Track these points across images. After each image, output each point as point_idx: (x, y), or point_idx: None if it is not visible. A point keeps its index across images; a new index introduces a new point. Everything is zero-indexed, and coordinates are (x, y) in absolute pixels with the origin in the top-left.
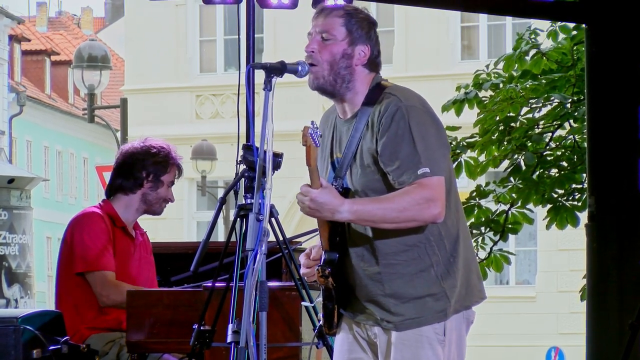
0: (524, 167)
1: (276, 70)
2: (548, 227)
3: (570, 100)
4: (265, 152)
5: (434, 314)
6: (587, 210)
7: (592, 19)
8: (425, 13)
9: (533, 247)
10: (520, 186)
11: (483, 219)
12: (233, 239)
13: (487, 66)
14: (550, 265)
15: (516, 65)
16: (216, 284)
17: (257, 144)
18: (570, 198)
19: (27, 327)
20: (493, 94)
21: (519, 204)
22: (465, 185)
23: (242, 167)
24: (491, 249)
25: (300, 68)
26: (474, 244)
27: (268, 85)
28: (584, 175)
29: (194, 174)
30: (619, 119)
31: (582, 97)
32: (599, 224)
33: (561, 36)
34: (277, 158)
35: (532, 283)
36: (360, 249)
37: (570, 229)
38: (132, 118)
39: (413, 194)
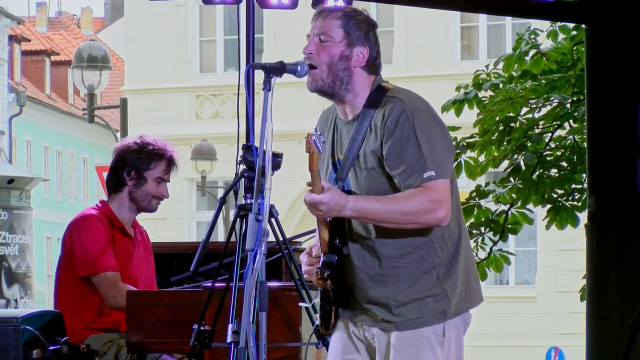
0: (523, 167)
1: (275, 70)
2: (548, 227)
3: (570, 100)
4: (264, 152)
5: (434, 315)
6: (587, 211)
7: (592, 19)
8: (425, 13)
9: (533, 247)
10: (520, 186)
11: (483, 219)
12: (233, 239)
13: (487, 66)
14: (550, 265)
15: (516, 65)
16: (216, 284)
17: (257, 144)
18: (570, 198)
19: (27, 327)
20: (493, 94)
21: (519, 204)
22: (465, 186)
23: (242, 167)
24: (491, 249)
25: (299, 68)
26: (474, 244)
27: (267, 86)
28: (584, 175)
29: (193, 174)
30: (619, 119)
31: (581, 97)
32: (599, 224)
33: (561, 36)
34: (277, 158)
35: (532, 283)
36: (362, 250)
37: (570, 229)
38: (132, 118)
39: (419, 197)
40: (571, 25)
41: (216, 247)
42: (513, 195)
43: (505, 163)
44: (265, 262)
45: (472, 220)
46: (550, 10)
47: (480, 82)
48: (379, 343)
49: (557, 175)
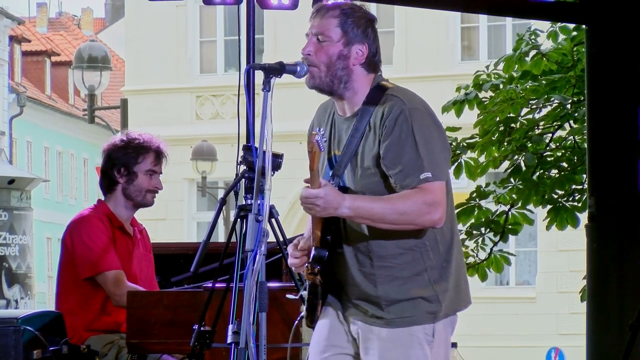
0: (524, 168)
1: (275, 70)
2: (548, 227)
3: (570, 101)
4: (264, 152)
5: (425, 315)
6: (587, 211)
7: (592, 20)
8: (425, 14)
9: (533, 248)
10: (521, 187)
11: (483, 220)
12: (233, 239)
13: (487, 67)
14: (551, 265)
15: (516, 66)
16: (216, 285)
17: (257, 144)
18: (570, 199)
19: (28, 327)
20: (493, 94)
21: (519, 205)
22: (465, 186)
23: (243, 167)
24: (491, 249)
25: (299, 68)
26: (474, 245)
27: (267, 86)
28: (584, 176)
29: (194, 175)
30: (619, 120)
31: (582, 98)
32: (599, 224)
33: (561, 37)
34: (277, 159)
35: (532, 284)
36: (355, 248)
37: (571, 230)
38: (132, 119)
39: (415, 198)
40: (571, 25)
41: (216, 248)
42: (513, 195)
43: (506, 164)
44: (265, 263)
45: (473, 220)
46: (551, 11)
47: (481, 82)
48: (364, 337)
49: (557, 175)
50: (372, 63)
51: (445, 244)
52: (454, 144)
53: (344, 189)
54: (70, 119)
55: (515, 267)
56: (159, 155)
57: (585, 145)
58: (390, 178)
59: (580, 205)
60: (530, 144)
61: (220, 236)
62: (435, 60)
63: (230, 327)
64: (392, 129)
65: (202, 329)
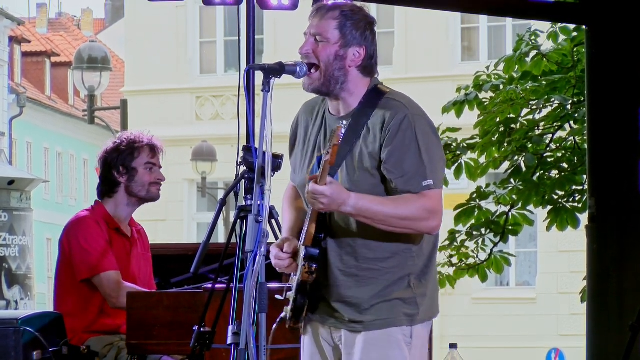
0: (524, 169)
1: (274, 71)
2: (548, 228)
3: (570, 101)
4: (264, 153)
5: (403, 317)
6: (587, 212)
7: (592, 21)
8: (425, 14)
9: (533, 249)
10: (521, 188)
11: (483, 221)
12: (233, 240)
13: (488, 67)
14: (551, 266)
15: (516, 66)
16: (216, 286)
17: (257, 145)
18: (571, 199)
19: (27, 328)
20: (493, 95)
21: (520, 206)
22: (465, 187)
23: (242, 168)
24: (491, 250)
25: (298, 69)
26: (474, 246)
27: (266, 87)
28: (584, 176)
29: (194, 175)
30: (619, 121)
31: (582, 99)
32: (600, 225)
33: (561, 37)
34: (277, 159)
35: (533, 284)
36: (340, 249)
37: (571, 231)
38: (132, 119)
39: (416, 204)
40: (572, 26)
41: (216, 249)
42: (514, 196)
43: (506, 164)
44: (265, 264)
45: (473, 221)
46: (551, 12)
47: (481, 83)
48: (346, 345)
49: (557, 176)
50: (369, 66)
51: (428, 250)
52: (454, 144)
53: None
54: (70, 119)
55: (515, 268)
56: (152, 148)
57: (586, 146)
58: (391, 182)
59: (580, 206)
60: (530, 145)
61: (220, 237)
62: (435, 61)
63: (230, 328)
64: (396, 134)
65: (202, 330)
